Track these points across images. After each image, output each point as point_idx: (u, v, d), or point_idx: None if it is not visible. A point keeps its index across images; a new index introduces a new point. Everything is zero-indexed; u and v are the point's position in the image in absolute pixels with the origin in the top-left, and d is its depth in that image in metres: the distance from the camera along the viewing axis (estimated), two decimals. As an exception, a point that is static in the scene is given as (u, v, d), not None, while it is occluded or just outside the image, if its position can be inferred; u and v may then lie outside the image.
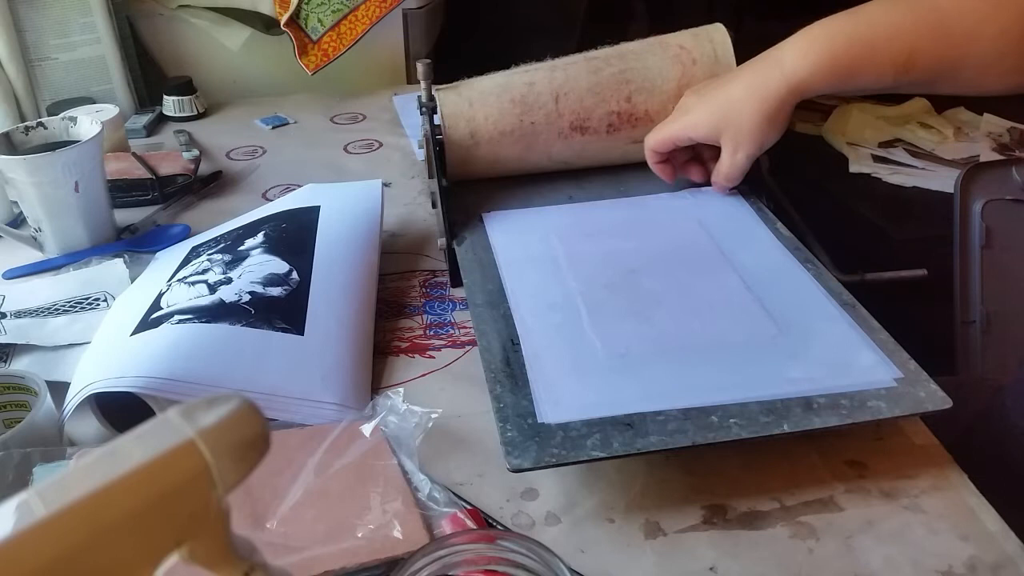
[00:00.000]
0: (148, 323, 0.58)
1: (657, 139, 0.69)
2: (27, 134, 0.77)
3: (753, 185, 0.71)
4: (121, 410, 0.53)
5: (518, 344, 0.54)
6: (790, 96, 0.62)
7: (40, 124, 0.77)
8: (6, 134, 0.76)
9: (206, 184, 0.91)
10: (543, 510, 0.48)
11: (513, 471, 0.45)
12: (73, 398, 0.52)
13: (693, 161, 0.72)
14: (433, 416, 0.52)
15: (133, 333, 0.58)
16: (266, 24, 1.11)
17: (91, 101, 1.02)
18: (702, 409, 0.48)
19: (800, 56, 0.61)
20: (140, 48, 1.13)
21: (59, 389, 0.54)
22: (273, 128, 1.07)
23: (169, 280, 0.64)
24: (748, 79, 0.64)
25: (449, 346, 0.63)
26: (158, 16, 1.11)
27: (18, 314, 0.67)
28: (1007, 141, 1.18)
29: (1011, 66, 0.58)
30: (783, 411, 0.48)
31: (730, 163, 0.67)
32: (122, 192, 0.86)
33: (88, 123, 0.78)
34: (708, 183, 0.72)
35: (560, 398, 0.49)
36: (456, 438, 0.53)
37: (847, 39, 0.60)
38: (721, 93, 0.66)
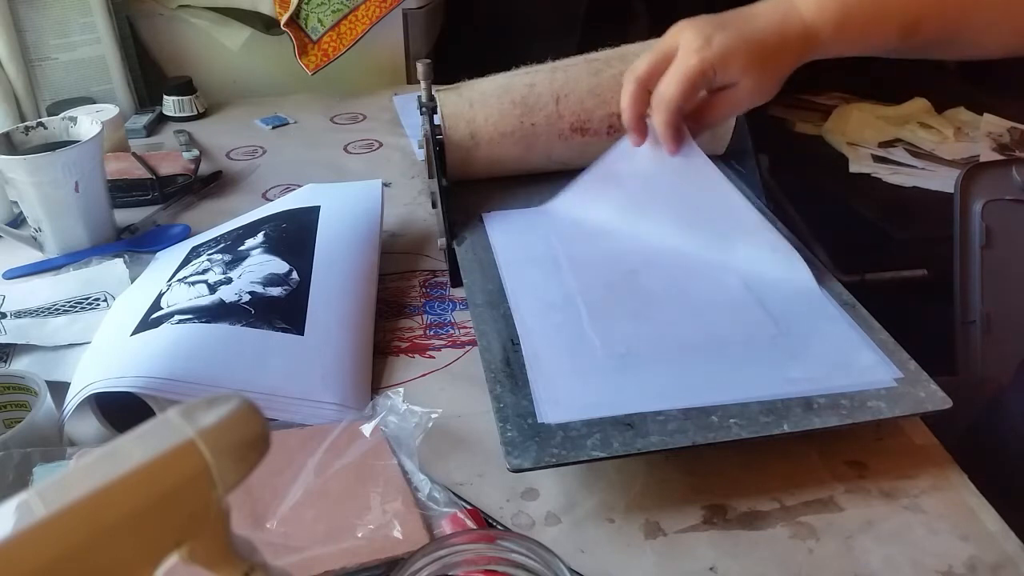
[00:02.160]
0: (148, 323, 0.58)
1: (679, 87, 0.57)
2: (27, 134, 0.77)
3: (753, 185, 0.71)
4: (121, 410, 0.53)
5: (518, 344, 0.54)
6: (803, 32, 0.57)
7: (40, 124, 0.77)
8: (6, 134, 0.76)
9: (206, 184, 0.91)
10: (543, 510, 0.48)
11: (513, 471, 0.45)
12: (73, 398, 0.52)
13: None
14: (433, 416, 0.52)
15: (133, 333, 0.58)
16: (266, 24, 1.11)
17: (91, 101, 1.02)
18: (702, 409, 0.48)
19: (807, 4, 0.58)
20: (140, 48, 1.13)
21: (59, 389, 0.54)
22: (273, 128, 1.07)
23: (169, 280, 0.64)
24: (751, 8, 0.59)
25: (449, 346, 0.63)
26: (158, 16, 1.11)
27: (18, 314, 0.67)
28: (1007, 141, 1.18)
29: (1012, 28, 0.57)
30: (783, 411, 0.48)
31: (682, 60, 0.57)
32: (122, 192, 0.86)
33: (88, 123, 0.78)
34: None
35: (560, 398, 0.49)
36: (456, 438, 0.53)
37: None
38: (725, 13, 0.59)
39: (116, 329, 0.60)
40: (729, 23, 0.58)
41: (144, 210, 0.85)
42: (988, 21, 0.57)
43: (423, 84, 0.70)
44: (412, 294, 0.70)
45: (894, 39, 0.59)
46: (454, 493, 0.48)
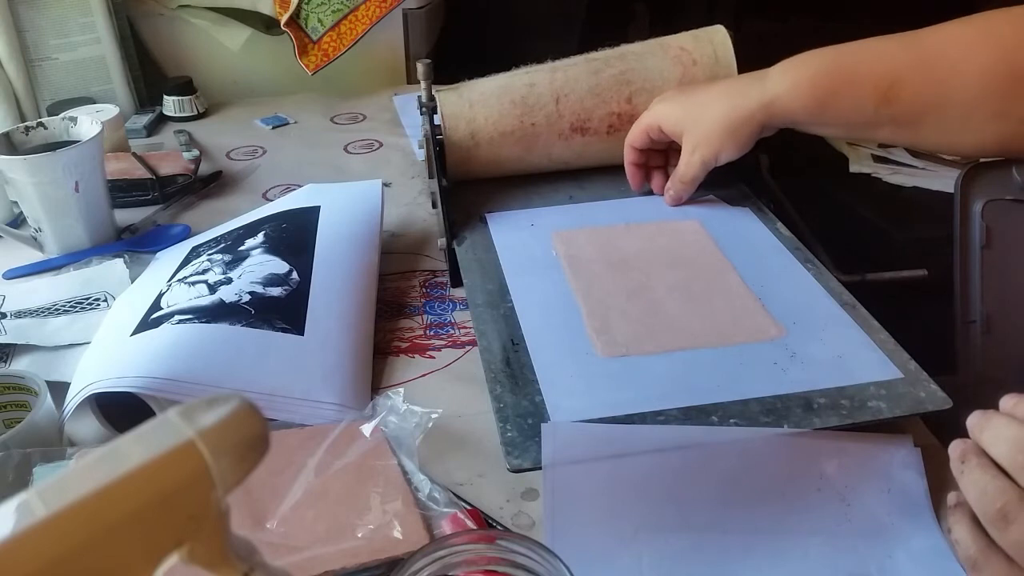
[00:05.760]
0: (148, 323, 0.58)
1: (633, 133, 0.69)
2: (27, 134, 0.77)
3: (753, 185, 0.71)
4: (121, 410, 0.53)
5: (518, 344, 0.54)
6: (760, 112, 0.62)
7: (40, 124, 0.77)
8: (6, 134, 0.76)
9: (206, 184, 0.91)
10: (543, 510, 0.48)
11: (513, 471, 0.45)
12: (73, 398, 0.52)
13: (662, 170, 0.72)
14: (433, 416, 0.52)
15: (133, 333, 0.58)
16: (266, 24, 1.11)
17: (91, 101, 1.02)
18: (702, 409, 0.48)
19: (780, 74, 0.62)
20: (140, 48, 1.13)
21: (59, 389, 0.54)
22: (273, 128, 1.07)
23: (169, 280, 0.64)
24: (726, 86, 0.65)
25: (449, 346, 0.63)
26: (158, 16, 1.11)
27: (18, 314, 0.67)
28: (1007, 141, 1.17)
29: (993, 111, 0.57)
30: (783, 411, 0.48)
31: (686, 162, 0.66)
32: (122, 192, 0.86)
33: (88, 123, 0.78)
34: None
35: (560, 398, 0.49)
36: (456, 438, 0.53)
37: (830, 61, 0.61)
38: (697, 93, 0.66)
39: (116, 329, 0.60)
40: (687, 91, 0.67)
41: (144, 210, 0.85)
42: (974, 92, 0.57)
43: (423, 84, 0.70)
44: (412, 294, 0.70)
45: (870, 104, 0.59)
46: (454, 493, 0.48)
